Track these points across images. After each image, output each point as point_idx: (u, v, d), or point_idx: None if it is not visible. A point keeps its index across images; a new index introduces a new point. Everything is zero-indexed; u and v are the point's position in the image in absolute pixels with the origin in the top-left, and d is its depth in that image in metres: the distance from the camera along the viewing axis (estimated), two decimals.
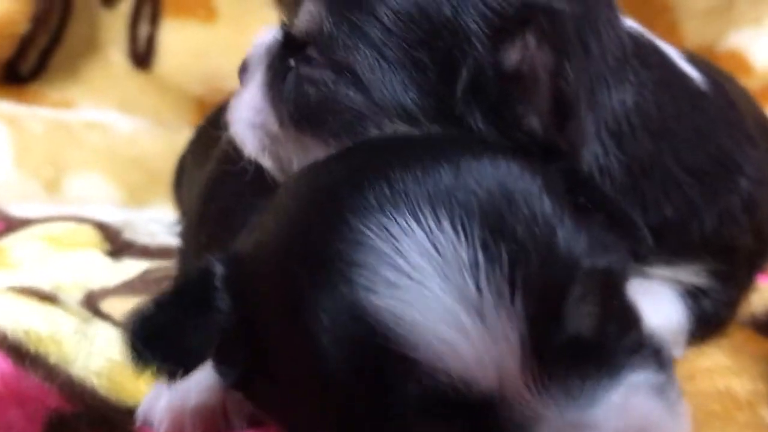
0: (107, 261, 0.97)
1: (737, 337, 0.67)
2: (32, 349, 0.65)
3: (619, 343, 0.47)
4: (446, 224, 0.44)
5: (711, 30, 1.51)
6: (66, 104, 1.39)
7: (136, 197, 1.25)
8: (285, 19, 0.63)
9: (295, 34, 0.59)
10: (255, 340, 0.50)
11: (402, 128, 0.55)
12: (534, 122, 0.52)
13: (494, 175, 0.47)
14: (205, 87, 1.48)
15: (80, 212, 1.13)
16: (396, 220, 0.45)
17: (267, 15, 1.46)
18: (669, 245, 0.60)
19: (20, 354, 0.64)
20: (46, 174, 1.22)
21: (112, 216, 1.15)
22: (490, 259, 0.43)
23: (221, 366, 0.53)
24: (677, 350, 0.64)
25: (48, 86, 1.39)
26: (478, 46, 0.52)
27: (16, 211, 1.11)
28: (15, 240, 0.98)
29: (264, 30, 0.66)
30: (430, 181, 0.46)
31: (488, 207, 0.45)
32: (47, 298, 0.80)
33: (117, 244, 1.04)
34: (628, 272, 0.49)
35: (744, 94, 0.82)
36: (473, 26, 0.52)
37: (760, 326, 0.69)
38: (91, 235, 1.04)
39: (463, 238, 0.43)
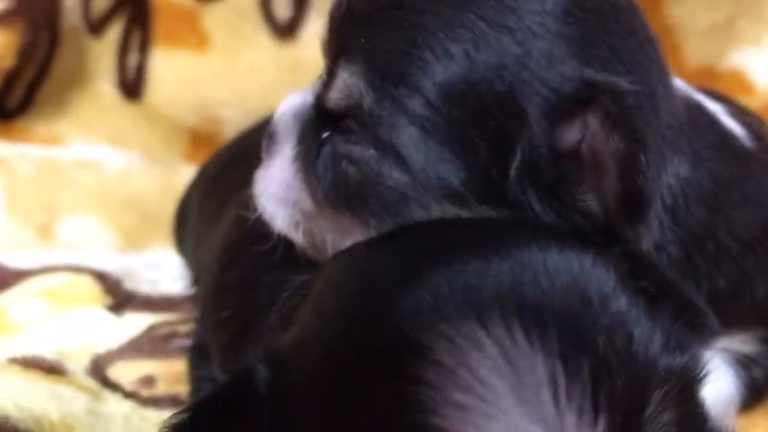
0: (109, 317, 0.93)
1: None
2: None
3: None
4: (519, 334, 0.40)
5: (712, 49, 1.50)
6: (54, 139, 1.34)
7: (131, 240, 1.20)
8: (317, 85, 0.59)
9: (330, 106, 0.55)
10: None
11: (450, 210, 0.51)
12: (594, 205, 0.49)
13: (566, 270, 0.43)
14: (198, 117, 1.43)
15: (76, 259, 1.08)
16: (462, 330, 0.41)
17: (260, 43, 1.43)
18: (720, 315, 0.57)
19: None
20: (38, 219, 1.16)
21: (110, 263, 1.10)
22: (570, 373, 0.39)
23: None
24: (729, 421, 0.61)
25: (35, 121, 1.34)
26: (533, 124, 0.49)
27: (9, 261, 1.05)
28: (11, 298, 0.94)
29: (291, 95, 0.62)
30: (495, 279, 0.42)
31: (564, 312, 0.41)
32: (53, 370, 0.75)
33: (118, 297, 0.99)
34: (704, 371, 0.46)
35: None
36: (528, 104, 0.49)
37: None
38: (91, 287, 0.99)
39: (539, 350, 0.40)
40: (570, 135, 0.49)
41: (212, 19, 1.41)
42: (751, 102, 1.49)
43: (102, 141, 1.36)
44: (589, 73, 0.49)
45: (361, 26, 0.54)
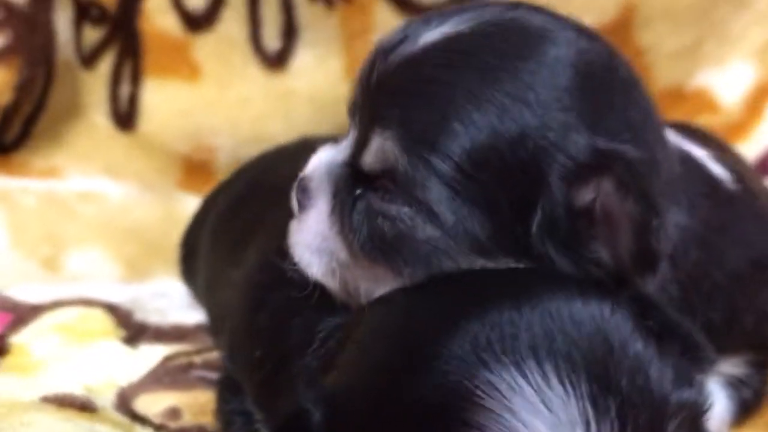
0: (126, 350, 0.97)
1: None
2: None
3: None
4: (553, 378, 0.46)
5: (679, 70, 1.57)
6: (52, 172, 1.36)
7: (136, 270, 1.23)
8: (347, 144, 0.63)
9: (366, 168, 0.60)
10: None
11: (477, 261, 0.57)
12: (605, 257, 0.55)
13: (590, 319, 0.49)
14: (191, 145, 1.47)
15: (85, 292, 1.12)
16: (502, 375, 0.46)
17: (250, 73, 1.47)
18: (713, 344, 0.63)
19: None
20: (44, 252, 1.19)
21: (118, 294, 1.13)
22: (600, 413, 0.45)
23: None
24: None
25: (33, 154, 1.36)
26: (553, 187, 0.55)
27: (20, 295, 1.08)
28: (29, 335, 0.96)
29: (321, 150, 0.67)
30: (528, 328, 0.48)
31: (591, 357, 0.47)
32: (85, 407, 0.79)
33: (131, 329, 1.02)
34: (707, 403, 0.52)
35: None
36: (547, 169, 0.55)
37: None
38: (103, 320, 1.03)
39: (571, 393, 0.45)
40: (585, 196, 0.55)
41: (203, 51, 1.45)
42: (716, 119, 1.58)
43: (99, 172, 1.39)
44: (601, 142, 0.55)
45: (396, 97, 0.59)
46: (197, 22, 1.44)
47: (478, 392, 0.46)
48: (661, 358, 0.50)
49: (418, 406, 0.47)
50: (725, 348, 0.66)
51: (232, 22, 1.42)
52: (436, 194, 0.56)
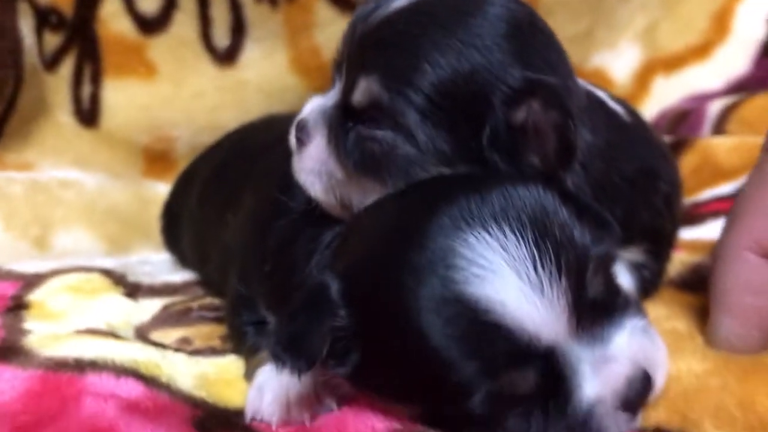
0: (130, 302, 1.10)
1: (666, 294, 0.92)
2: (147, 373, 0.80)
3: (617, 302, 0.70)
4: (509, 232, 0.65)
5: (577, 53, 1.78)
6: (25, 166, 1.48)
7: (118, 245, 1.37)
8: (335, 91, 0.81)
9: (354, 104, 0.77)
10: (366, 338, 0.68)
11: (443, 170, 0.75)
12: (535, 161, 0.74)
13: (530, 196, 0.68)
14: (151, 137, 1.61)
15: (76, 263, 1.25)
16: (474, 234, 0.65)
17: (203, 69, 1.62)
18: (621, 233, 0.84)
19: (144, 378, 0.78)
20: (34, 233, 1.32)
21: (106, 264, 1.27)
22: (542, 253, 0.64)
23: (333, 361, 0.70)
24: None
25: (7, 150, 1.48)
26: (496, 109, 0.74)
27: (20, 269, 1.20)
28: (43, 294, 1.08)
29: (312, 100, 0.84)
30: (487, 204, 0.67)
31: (533, 218, 0.66)
32: (113, 335, 0.93)
33: (128, 287, 1.16)
34: (615, 255, 0.72)
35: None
36: (492, 96, 0.74)
37: (679, 284, 0.94)
38: (103, 281, 1.16)
39: (522, 242, 0.64)
40: (520, 115, 0.74)
41: (157, 51, 1.59)
42: (612, 92, 1.81)
43: (68, 165, 1.51)
44: (530, 74, 0.74)
45: (377, 48, 0.77)
46: (151, 25, 1.59)
47: (457, 245, 0.64)
48: (580, 225, 0.69)
49: (413, 262, 0.65)
50: (628, 238, 0.87)
51: (184, 23, 1.58)
52: (412, 119, 0.74)
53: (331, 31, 1.55)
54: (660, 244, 0.91)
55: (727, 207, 0.82)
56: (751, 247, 0.75)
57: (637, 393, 0.67)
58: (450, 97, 0.74)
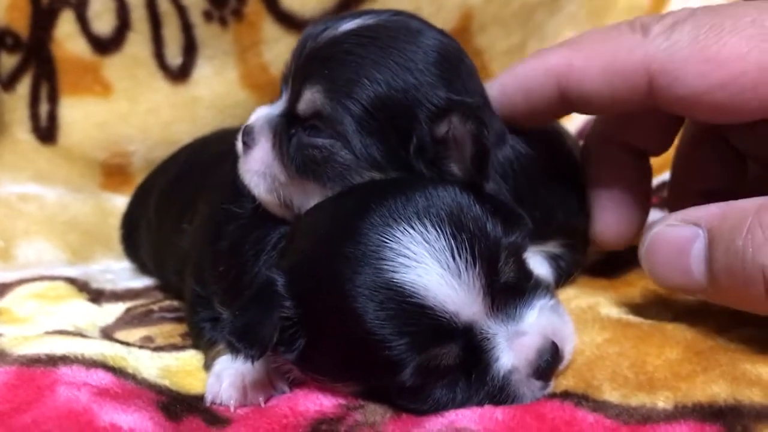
0: (94, 306, 1.18)
1: (580, 279, 1.03)
2: (114, 365, 0.88)
3: (528, 285, 0.81)
4: (429, 227, 0.75)
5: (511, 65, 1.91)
6: None
7: (79, 255, 1.44)
8: (281, 101, 0.90)
9: (299, 113, 0.86)
10: (310, 325, 0.77)
11: (375, 175, 0.85)
12: (455, 168, 0.84)
13: (448, 196, 0.78)
14: (108, 152, 1.68)
15: (41, 272, 1.32)
16: (400, 230, 0.75)
17: (157, 86, 1.70)
18: (538, 231, 0.94)
19: (112, 369, 0.86)
20: None
21: (69, 272, 1.34)
22: (458, 244, 0.74)
23: (282, 347, 0.79)
24: None
25: None
26: (423, 123, 0.84)
27: None
28: (9, 302, 1.15)
29: (259, 109, 0.93)
30: (411, 204, 0.77)
31: (450, 215, 0.76)
32: (81, 335, 1.01)
33: (92, 293, 1.24)
34: (526, 245, 0.83)
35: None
36: (419, 112, 0.84)
37: (593, 271, 1.05)
38: (68, 288, 1.23)
39: (441, 235, 0.74)
40: (442, 128, 0.84)
41: (112, 69, 1.68)
42: None
43: (28, 180, 1.58)
44: (452, 96, 0.84)
45: (323, 63, 0.86)
46: (105, 45, 1.67)
47: (386, 240, 0.74)
48: (493, 219, 0.80)
49: (348, 255, 0.74)
50: (546, 234, 0.98)
51: (137, 43, 1.67)
52: (350, 128, 0.83)
53: (278, 48, 1.65)
54: (576, 238, 1.02)
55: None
56: (555, 69, 0.86)
57: (548, 363, 0.77)
58: (384, 110, 0.84)
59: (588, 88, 0.85)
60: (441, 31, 0.93)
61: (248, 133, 0.91)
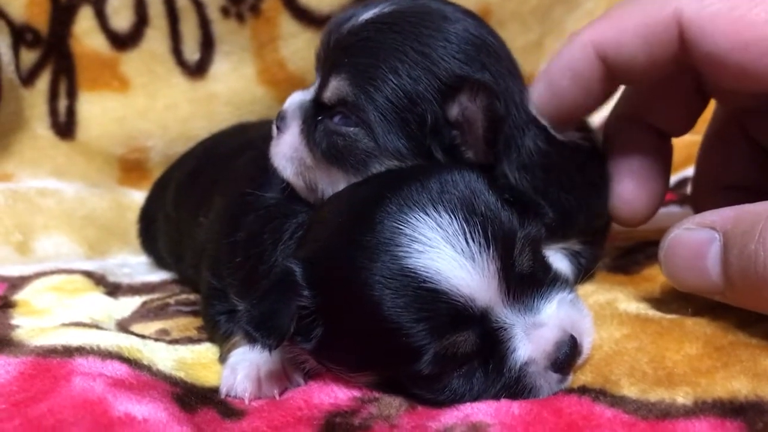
0: (110, 299, 1.18)
1: (599, 275, 1.02)
2: (129, 356, 0.88)
3: (546, 278, 0.80)
4: (443, 212, 0.74)
5: (529, 62, 1.86)
6: (6, 177, 1.55)
7: (96, 249, 1.45)
8: (312, 88, 0.91)
9: (325, 100, 0.87)
10: (327, 314, 0.77)
11: (396, 163, 0.85)
12: (470, 153, 0.84)
13: (462, 183, 0.77)
14: (126, 147, 1.69)
15: (58, 266, 1.32)
16: (415, 216, 0.74)
17: (174, 82, 1.70)
18: (560, 230, 0.93)
19: (127, 360, 0.86)
20: (16, 239, 1.39)
21: (87, 266, 1.34)
22: (471, 228, 0.73)
23: (299, 337, 0.79)
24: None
25: None
26: (435, 107, 0.84)
27: (4, 272, 1.28)
28: (28, 295, 1.15)
29: (294, 94, 0.93)
30: (427, 191, 0.76)
31: (464, 201, 0.75)
32: (97, 327, 1.01)
33: (108, 287, 1.24)
34: (543, 236, 0.82)
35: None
36: (431, 96, 0.84)
37: (611, 267, 1.04)
38: (85, 282, 1.24)
39: (454, 220, 0.74)
40: (454, 109, 0.84)
41: (130, 65, 1.68)
42: None
43: (47, 175, 1.59)
44: (460, 72, 0.83)
45: (347, 52, 0.87)
46: (123, 41, 1.67)
47: (401, 227, 0.74)
48: (509, 209, 0.79)
49: (365, 243, 0.74)
50: (568, 233, 0.96)
51: (155, 39, 1.67)
52: (373, 116, 0.84)
53: (295, 44, 1.65)
54: (595, 236, 1.01)
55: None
56: (592, 42, 0.86)
57: (566, 356, 0.76)
58: (404, 98, 0.84)
59: (626, 52, 0.85)
60: (465, 11, 0.92)
61: (281, 118, 0.92)
